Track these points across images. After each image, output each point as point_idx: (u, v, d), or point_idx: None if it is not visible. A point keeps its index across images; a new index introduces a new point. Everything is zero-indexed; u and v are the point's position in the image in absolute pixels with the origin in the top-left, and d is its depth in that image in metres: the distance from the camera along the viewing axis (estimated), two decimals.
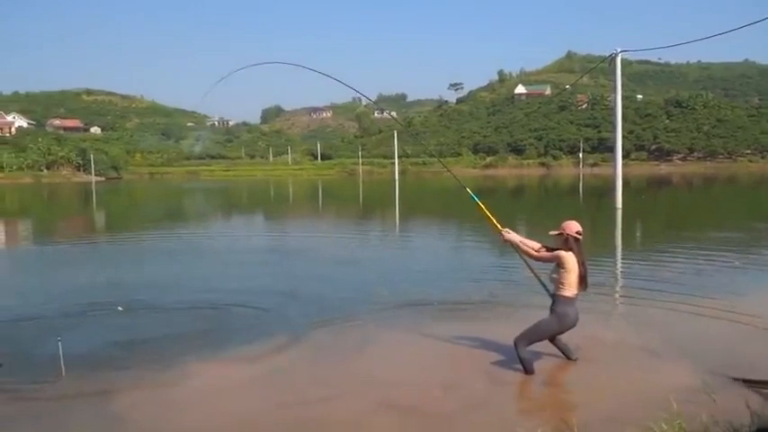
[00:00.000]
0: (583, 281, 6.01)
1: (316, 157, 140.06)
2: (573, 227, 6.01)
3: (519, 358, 6.04)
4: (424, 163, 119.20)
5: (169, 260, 15.28)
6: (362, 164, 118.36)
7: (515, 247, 6.34)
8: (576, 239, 5.99)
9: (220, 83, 9.80)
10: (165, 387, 6.06)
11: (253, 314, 9.07)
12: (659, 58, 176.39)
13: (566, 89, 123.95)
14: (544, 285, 6.32)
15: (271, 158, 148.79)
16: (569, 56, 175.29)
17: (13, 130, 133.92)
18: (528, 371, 6.01)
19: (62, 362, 6.35)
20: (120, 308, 9.42)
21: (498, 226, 6.50)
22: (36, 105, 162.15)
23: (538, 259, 6.22)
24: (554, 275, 6.03)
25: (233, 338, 7.65)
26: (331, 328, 8.07)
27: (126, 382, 6.12)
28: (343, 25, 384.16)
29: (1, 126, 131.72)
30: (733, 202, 37.15)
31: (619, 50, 26.34)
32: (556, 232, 6.06)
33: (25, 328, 8.49)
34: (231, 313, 9.20)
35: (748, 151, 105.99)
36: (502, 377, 6.06)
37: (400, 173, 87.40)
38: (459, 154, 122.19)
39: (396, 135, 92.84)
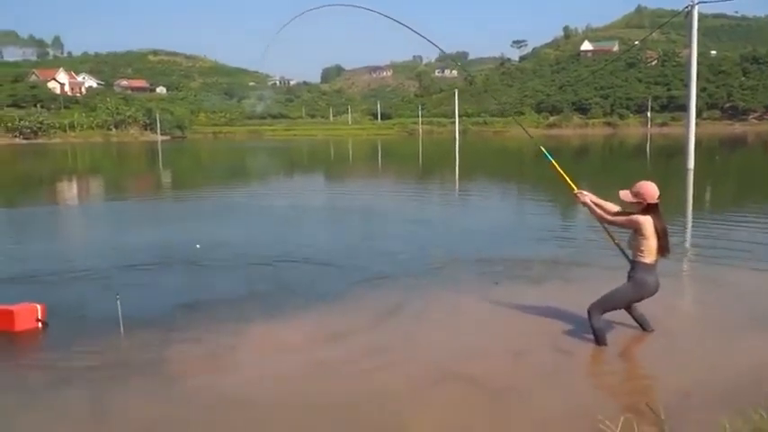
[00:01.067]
0: (663, 248, 5.55)
1: (375, 117, 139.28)
2: (652, 192, 5.51)
3: (592, 328, 5.66)
4: (486, 122, 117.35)
5: (235, 218, 15.46)
6: (422, 123, 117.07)
7: (590, 209, 5.89)
8: (656, 205, 5.53)
9: (281, 32, 9.62)
10: (220, 350, 5.90)
11: (314, 271, 8.99)
12: (736, 12, 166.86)
13: (635, 45, 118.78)
14: (622, 251, 5.91)
15: (331, 118, 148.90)
16: (639, 10, 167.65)
17: (83, 90, 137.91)
18: (600, 342, 5.62)
19: (120, 321, 6.33)
20: (198, 246, 9.84)
21: (573, 186, 6.10)
22: (104, 66, 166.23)
23: (612, 223, 5.80)
24: (632, 241, 5.61)
25: (291, 300, 7.47)
26: (388, 290, 7.79)
27: (183, 345, 6.03)
28: None
29: (72, 86, 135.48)
30: None
31: (696, 1, 24.74)
32: (632, 200, 5.59)
33: (84, 283, 8.58)
34: (292, 271, 9.12)
35: None
36: (572, 348, 5.67)
37: (461, 132, 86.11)
38: (522, 113, 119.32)
39: (456, 94, 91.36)
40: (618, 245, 6.02)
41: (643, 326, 5.97)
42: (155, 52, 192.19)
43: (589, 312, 5.70)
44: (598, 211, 5.85)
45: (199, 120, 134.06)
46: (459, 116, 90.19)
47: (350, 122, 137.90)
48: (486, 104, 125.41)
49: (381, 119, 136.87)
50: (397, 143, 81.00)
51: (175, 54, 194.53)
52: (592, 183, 22.34)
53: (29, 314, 6.55)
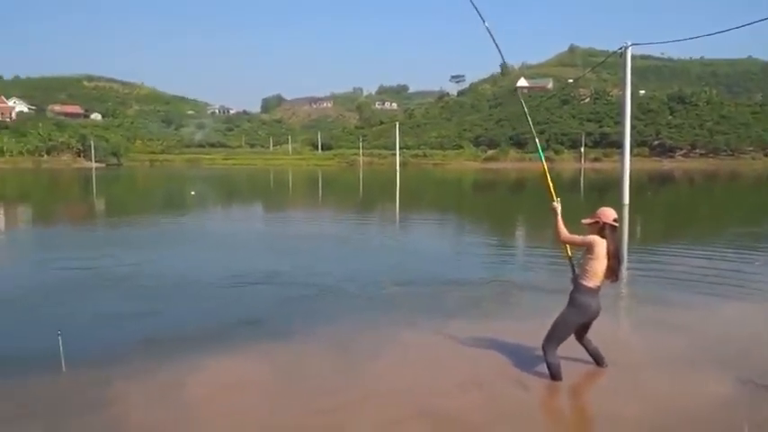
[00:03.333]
0: (613, 272, 5.66)
1: (316, 147, 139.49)
2: (609, 214, 5.65)
3: (547, 363, 5.72)
4: (425, 155, 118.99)
5: (179, 244, 15.54)
6: (363, 154, 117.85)
7: (556, 221, 5.92)
8: (613, 227, 5.67)
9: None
10: (169, 387, 5.69)
11: (263, 300, 9.16)
12: (662, 53, 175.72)
13: (569, 83, 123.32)
14: (572, 267, 5.96)
15: (271, 147, 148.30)
16: (571, 49, 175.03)
17: (13, 114, 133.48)
18: (555, 377, 5.69)
19: (62, 357, 6.05)
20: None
21: (553, 194, 6.11)
22: (37, 91, 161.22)
23: (569, 241, 5.89)
24: (581, 261, 5.72)
25: (240, 332, 7.41)
26: (339, 324, 7.76)
27: (129, 382, 5.80)
28: (345, 14, 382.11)
29: (2, 111, 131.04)
30: (738, 199, 36.82)
31: (629, 43, 25.94)
32: (590, 220, 5.71)
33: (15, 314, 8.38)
34: (239, 299, 9.23)
35: (751, 148, 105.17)
36: (528, 383, 5.72)
37: (401, 164, 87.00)
38: (461, 146, 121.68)
39: (397, 126, 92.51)
40: (570, 260, 6.06)
41: (597, 361, 6.05)
42: (89, 77, 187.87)
43: (544, 349, 5.75)
44: (560, 225, 5.91)
45: (135, 147, 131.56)
46: (400, 148, 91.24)
47: (290, 152, 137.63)
48: (425, 137, 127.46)
49: (322, 149, 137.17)
50: (338, 174, 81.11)
51: (112, 80, 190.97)
52: (531, 214, 23.69)
53: None
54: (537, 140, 7.31)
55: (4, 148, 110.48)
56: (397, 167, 78.57)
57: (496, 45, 7.05)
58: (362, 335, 7.34)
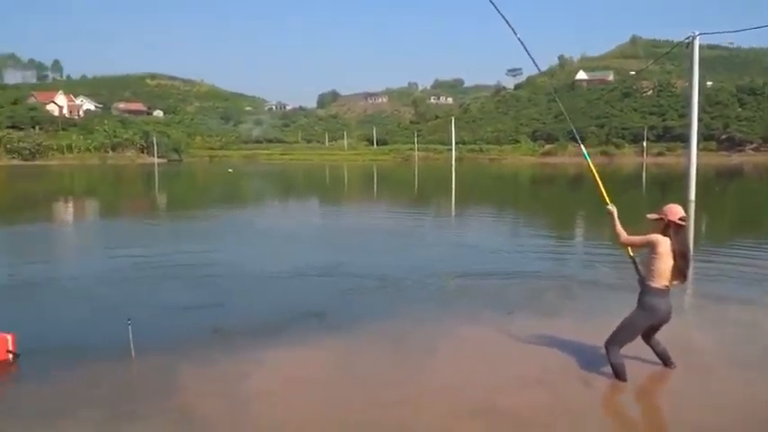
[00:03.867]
0: (681, 273, 5.42)
1: (371, 143, 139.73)
2: (676, 212, 5.41)
3: (611, 363, 5.56)
4: (481, 150, 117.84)
5: (245, 237, 16.20)
6: (418, 150, 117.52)
7: (613, 223, 5.78)
8: (678, 226, 5.42)
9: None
10: (236, 378, 5.78)
11: (325, 294, 9.19)
12: (730, 43, 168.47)
13: (631, 74, 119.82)
14: (637, 270, 5.75)
15: (327, 143, 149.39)
16: (633, 40, 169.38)
17: (81, 112, 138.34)
18: (620, 377, 5.52)
19: (132, 345, 6.24)
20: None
21: (605, 197, 6.01)
22: (102, 89, 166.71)
23: (629, 243, 5.69)
24: (646, 262, 5.52)
25: (303, 326, 7.47)
26: (398, 319, 7.74)
27: (197, 372, 5.95)
28: (399, 9, 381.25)
29: (70, 108, 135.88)
30: None
31: (697, 33, 24.98)
32: (655, 216, 5.49)
33: (89, 305, 8.65)
34: (300, 292, 9.31)
35: None
36: (592, 381, 5.57)
37: (456, 159, 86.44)
38: (517, 141, 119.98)
39: (453, 121, 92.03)
40: (634, 261, 5.85)
41: (665, 362, 5.84)
42: (152, 76, 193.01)
43: (606, 348, 5.61)
44: (619, 227, 5.74)
45: (195, 143, 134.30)
46: (455, 143, 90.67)
47: (346, 147, 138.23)
48: (481, 132, 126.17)
49: (377, 144, 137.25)
50: (394, 169, 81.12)
51: (173, 78, 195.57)
52: (591, 210, 22.96)
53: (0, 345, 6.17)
54: (581, 143, 7.51)
55: (73, 145, 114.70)
56: (453, 162, 78.12)
57: (530, 56, 7.24)
58: (423, 329, 7.32)
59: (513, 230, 18.61)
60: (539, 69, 8.17)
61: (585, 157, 6.52)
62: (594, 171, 6.28)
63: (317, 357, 6.35)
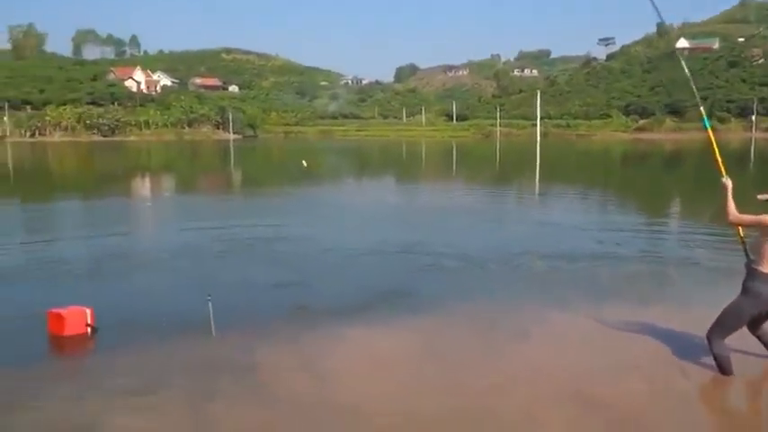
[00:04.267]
0: None
1: (450, 118, 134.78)
2: None
3: (713, 355, 5.18)
4: (569, 125, 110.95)
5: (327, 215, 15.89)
6: (500, 125, 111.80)
7: (725, 199, 5.26)
8: None
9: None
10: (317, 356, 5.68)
11: (408, 276, 8.90)
12: None
13: (739, 41, 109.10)
14: (746, 252, 5.35)
15: (404, 118, 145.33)
16: (743, 3, 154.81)
17: (158, 88, 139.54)
18: (725, 371, 5.13)
19: (212, 321, 6.22)
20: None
21: (722, 168, 5.53)
22: (179, 64, 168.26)
23: (738, 221, 5.30)
24: (755, 244, 5.16)
25: (386, 307, 7.27)
26: (484, 303, 7.42)
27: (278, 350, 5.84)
28: None
29: (148, 84, 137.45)
30: None
31: None
32: (767, 197, 5.09)
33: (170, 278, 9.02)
34: (381, 274, 9.18)
35: None
36: (692, 374, 5.21)
37: (542, 135, 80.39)
38: (609, 116, 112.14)
39: (538, 95, 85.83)
40: (744, 243, 5.50)
41: None
42: (227, 50, 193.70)
43: (708, 339, 5.28)
44: (731, 203, 5.30)
45: (270, 119, 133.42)
46: (541, 118, 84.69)
47: (423, 123, 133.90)
48: (569, 106, 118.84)
49: (457, 120, 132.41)
50: (474, 146, 76.47)
51: (248, 53, 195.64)
52: (689, 189, 22.49)
53: (78, 318, 6.30)
54: (702, 108, 6.87)
55: (150, 121, 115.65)
56: (538, 138, 72.47)
57: (652, 1, 6.56)
58: (509, 312, 7.13)
59: (602, 210, 18.20)
60: (660, 17, 7.24)
61: (705, 126, 6.23)
62: (713, 140, 5.83)
63: (403, 338, 6.25)
